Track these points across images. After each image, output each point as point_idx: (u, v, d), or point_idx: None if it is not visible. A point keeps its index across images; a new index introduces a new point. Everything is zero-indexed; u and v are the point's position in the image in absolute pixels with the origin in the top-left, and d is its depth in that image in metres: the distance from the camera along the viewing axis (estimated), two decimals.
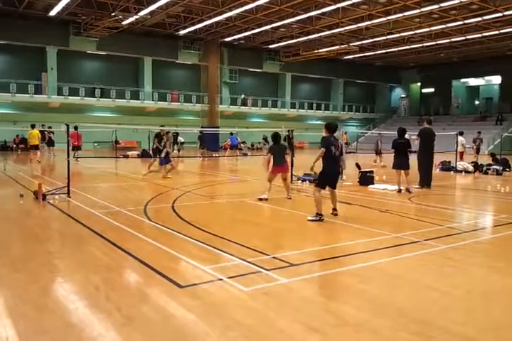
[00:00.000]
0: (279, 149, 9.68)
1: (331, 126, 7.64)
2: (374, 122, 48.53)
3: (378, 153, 20.13)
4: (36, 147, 20.51)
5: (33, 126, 20.77)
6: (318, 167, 7.54)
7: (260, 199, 9.30)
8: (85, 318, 3.46)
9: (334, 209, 7.69)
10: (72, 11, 28.61)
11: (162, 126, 16.18)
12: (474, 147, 21.28)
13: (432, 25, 30.19)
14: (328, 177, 7.54)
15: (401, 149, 10.87)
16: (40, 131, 23.99)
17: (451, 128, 33.15)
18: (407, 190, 10.79)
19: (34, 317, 3.47)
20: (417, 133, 12.13)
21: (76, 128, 19.74)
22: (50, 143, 24.59)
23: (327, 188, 7.66)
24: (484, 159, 19.36)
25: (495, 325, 3.45)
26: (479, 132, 22.15)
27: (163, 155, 13.73)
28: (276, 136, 9.78)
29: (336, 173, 7.77)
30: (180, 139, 28.00)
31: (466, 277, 4.62)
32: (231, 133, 26.98)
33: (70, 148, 18.27)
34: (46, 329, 3.26)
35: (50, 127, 24.29)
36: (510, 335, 3.30)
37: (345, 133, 23.84)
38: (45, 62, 33.11)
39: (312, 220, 7.18)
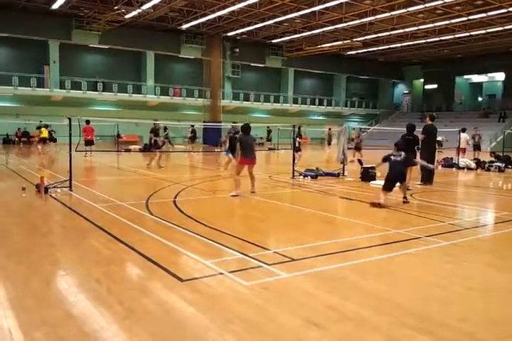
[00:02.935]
0: (249, 140, 9.57)
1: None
2: (376, 118, 48.44)
3: (358, 148, 19.53)
4: (44, 140, 21.39)
5: (43, 125, 21.65)
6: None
7: (233, 196, 9.08)
8: (87, 311, 3.47)
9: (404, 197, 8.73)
10: (74, 4, 28.55)
11: (155, 120, 16.68)
12: (471, 144, 21.05)
13: (435, 21, 30.04)
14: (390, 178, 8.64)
15: (409, 145, 10.69)
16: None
17: (453, 125, 33.01)
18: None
19: (36, 309, 3.48)
20: (420, 130, 12.01)
21: (88, 122, 19.78)
22: (51, 139, 24.82)
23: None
24: (486, 156, 19.32)
25: (494, 321, 3.46)
26: (476, 128, 22.03)
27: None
28: (247, 127, 9.68)
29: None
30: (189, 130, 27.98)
31: (466, 273, 4.63)
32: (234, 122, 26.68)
33: (83, 142, 18.77)
34: (48, 322, 3.27)
35: (46, 125, 23.73)
36: (510, 331, 3.31)
37: (354, 129, 23.76)
38: (47, 55, 33.08)
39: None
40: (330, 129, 33.06)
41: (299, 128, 17.27)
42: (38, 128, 22.66)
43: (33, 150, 21.61)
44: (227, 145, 14.42)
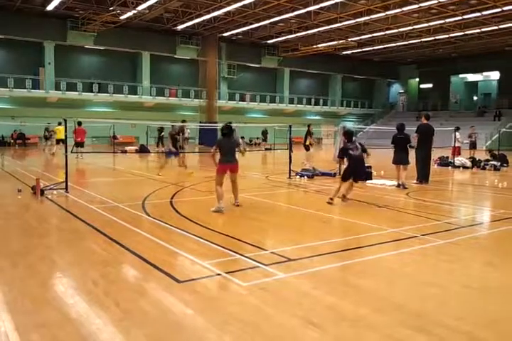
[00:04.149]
0: (229, 143, 8.06)
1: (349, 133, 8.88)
2: (372, 117, 48.53)
3: None
4: (62, 141, 20.94)
5: (59, 123, 21.17)
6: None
7: (216, 212, 7.52)
8: (84, 312, 3.47)
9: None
10: (69, 6, 28.45)
11: (184, 121, 16.36)
12: (467, 141, 21.04)
13: (430, 21, 30.11)
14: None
15: (400, 144, 10.86)
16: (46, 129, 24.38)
17: (449, 124, 33.14)
18: (403, 185, 10.75)
19: (32, 312, 3.48)
20: (414, 130, 12.09)
21: (80, 123, 19.67)
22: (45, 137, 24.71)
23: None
24: (482, 154, 19.39)
25: (491, 320, 3.47)
26: (473, 126, 22.07)
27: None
28: (227, 128, 8.14)
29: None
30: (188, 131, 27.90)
31: (463, 272, 4.64)
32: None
33: (74, 144, 18.64)
34: (44, 324, 3.26)
35: (60, 123, 23.87)
36: (506, 330, 3.32)
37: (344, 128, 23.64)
38: (42, 56, 32.96)
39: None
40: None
41: (309, 126, 17.28)
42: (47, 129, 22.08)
43: (30, 151, 21.36)
44: (170, 145, 13.27)
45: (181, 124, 14.70)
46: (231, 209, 8.24)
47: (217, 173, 7.91)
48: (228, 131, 8.10)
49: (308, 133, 17.06)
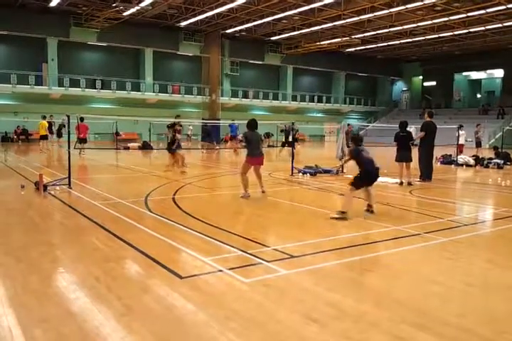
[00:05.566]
0: (256, 137, 8.79)
1: None
2: (375, 115, 48.44)
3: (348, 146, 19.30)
4: (43, 137, 21.07)
5: (43, 117, 21.09)
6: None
7: (242, 197, 8.55)
8: (86, 308, 3.48)
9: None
10: (72, 2, 28.49)
11: (178, 116, 16.25)
12: (474, 140, 20.95)
13: (434, 18, 30.01)
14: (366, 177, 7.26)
15: (403, 142, 10.88)
16: (48, 122, 23.97)
17: (452, 122, 33.06)
18: (409, 183, 10.82)
19: (35, 307, 3.49)
20: (417, 127, 12.11)
21: (82, 119, 19.60)
22: (59, 134, 24.27)
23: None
24: (485, 152, 19.32)
25: (493, 318, 3.47)
26: (479, 124, 21.95)
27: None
28: (252, 123, 8.81)
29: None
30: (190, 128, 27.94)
31: (465, 270, 4.63)
32: (230, 126, 25.79)
33: (76, 140, 18.62)
34: (47, 319, 3.27)
35: (44, 117, 23.57)
36: (508, 328, 3.31)
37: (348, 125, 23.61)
38: (45, 53, 33.00)
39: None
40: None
41: (292, 124, 17.72)
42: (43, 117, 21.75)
43: (41, 147, 21.41)
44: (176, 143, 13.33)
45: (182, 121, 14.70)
46: (233, 205, 8.26)
47: (245, 164, 8.72)
48: (254, 124, 8.78)
49: (291, 132, 17.49)
